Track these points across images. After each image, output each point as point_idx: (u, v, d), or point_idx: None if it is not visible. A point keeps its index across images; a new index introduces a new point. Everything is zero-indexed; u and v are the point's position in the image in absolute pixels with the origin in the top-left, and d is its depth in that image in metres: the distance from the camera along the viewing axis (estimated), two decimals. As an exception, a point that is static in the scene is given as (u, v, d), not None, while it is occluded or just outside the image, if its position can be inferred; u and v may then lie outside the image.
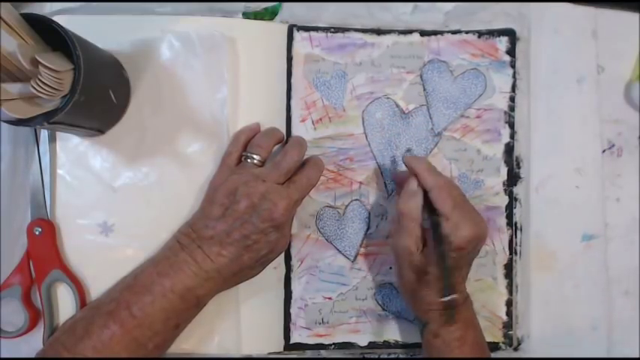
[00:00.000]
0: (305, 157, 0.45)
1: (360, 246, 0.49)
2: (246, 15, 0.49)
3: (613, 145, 0.53)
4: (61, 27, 0.36)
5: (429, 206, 0.42)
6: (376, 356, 0.50)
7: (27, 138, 0.46)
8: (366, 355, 0.50)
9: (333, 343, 0.49)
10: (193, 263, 0.40)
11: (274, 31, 0.49)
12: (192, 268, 0.40)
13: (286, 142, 0.48)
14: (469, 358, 0.42)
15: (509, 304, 0.50)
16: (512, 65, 0.51)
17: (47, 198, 0.46)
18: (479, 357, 0.43)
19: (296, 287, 0.49)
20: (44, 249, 0.45)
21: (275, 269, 0.48)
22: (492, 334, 0.50)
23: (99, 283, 0.45)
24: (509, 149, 0.51)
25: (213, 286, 0.41)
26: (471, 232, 0.41)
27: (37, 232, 0.45)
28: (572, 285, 0.51)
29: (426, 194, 0.43)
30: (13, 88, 0.35)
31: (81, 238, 0.46)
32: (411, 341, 0.50)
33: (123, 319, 0.39)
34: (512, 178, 0.51)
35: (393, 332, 0.50)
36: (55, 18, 0.37)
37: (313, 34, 0.49)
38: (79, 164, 0.46)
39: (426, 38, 0.50)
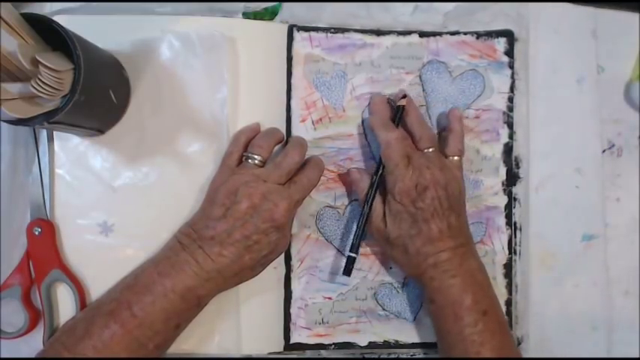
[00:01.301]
0: (305, 157, 0.45)
1: (360, 246, 0.49)
2: (246, 15, 0.49)
3: (613, 145, 0.53)
4: (61, 27, 0.36)
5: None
6: (376, 356, 0.50)
7: (27, 138, 0.46)
8: (366, 355, 0.50)
9: (333, 343, 0.49)
10: (194, 263, 0.40)
11: (274, 31, 0.49)
12: (193, 268, 0.40)
13: (286, 142, 0.48)
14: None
15: (508, 303, 0.50)
16: (511, 66, 0.51)
17: (47, 198, 0.46)
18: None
19: (296, 287, 0.49)
20: (44, 249, 0.45)
21: (275, 269, 0.48)
22: (492, 334, 0.50)
23: (99, 283, 0.45)
24: (507, 149, 0.51)
25: (214, 287, 0.41)
26: (406, 184, 0.42)
27: (36, 233, 0.45)
28: (572, 285, 0.51)
29: None
30: (13, 88, 0.35)
31: (81, 238, 0.46)
32: (411, 341, 0.50)
33: (124, 319, 0.39)
34: (511, 178, 0.51)
35: (393, 332, 0.50)
36: (55, 18, 0.37)
37: (313, 34, 0.49)
38: (78, 164, 0.46)
39: (425, 39, 0.50)
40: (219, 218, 0.41)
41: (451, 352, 0.43)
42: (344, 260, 0.49)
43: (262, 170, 0.43)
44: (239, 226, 0.40)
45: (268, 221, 0.41)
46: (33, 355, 0.42)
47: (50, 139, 0.46)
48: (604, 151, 0.53)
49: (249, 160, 0.43)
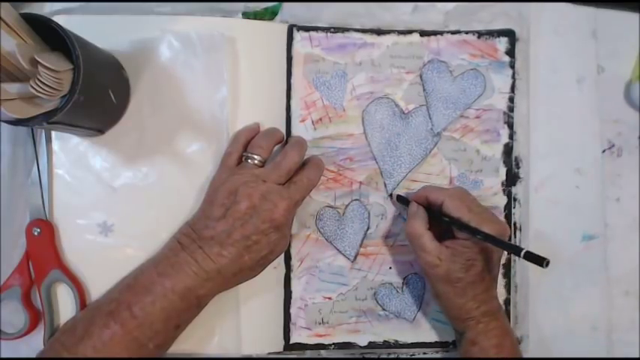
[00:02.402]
0: (305, 157, 0.45)
1: (360, 246, 0.49)
2: (246, 15, 0.49)
3: (613, 145, 0.53)
4: (61, 27, 0.36)
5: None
6: (376, 356, 0.50)
7: (26, 138, 0.46)
8: (366, 355, 0.50)
9: (333, 343, 0.49)
10: (194, 263, 0.40)
11: (274, 31, 0.49)
12: (193, 268, 0.40)
13: (286, 142, 0.48)
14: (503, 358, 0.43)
15: (507, 303, 0.50)
16: (512, 66, 0.51)
17: (46, 198, 0.46)
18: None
19: (296, 287, 0.49)
20: (43, 249, 0.45)
21: (275, 269, 0.48)
22: (492, 334, 0.50)
23: (99, 283, 0.45)
24: (508, 149, 0.51)
25: (214, 287, 0.41)
26: (493, 229, 0.42)
27: (35, 233, 0.45)
28: (572, 285, 0.51)
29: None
30: (12, 88, 0.35)
31: (80, 238, 0.46)
32: (411, 341, 0.50)
33: (123, 319, 0.39)
34: (511, 179, 0.51)
35: (393, 332, 0.50)
36: (55, 18, 0.38)
37: (313, 34, 0.49)
38: (78, 164, 0.46)
39: (425, 38, 0.50)
40: (219, 218, 0.41)
41: None
42: (344, 260, 0.49)
43: (262, 170, 0.42)
44: (238, 226, 0.40)
45: (268, 221, 0.41)
46: (33, 356, 0.42)
47: (49, 139, 0.46)
48: (604, 151, 0.53)
49: (249, 160, 0.43)
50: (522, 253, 0.38)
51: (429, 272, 0.44)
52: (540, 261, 0.36)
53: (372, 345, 0.49)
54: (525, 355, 0.50)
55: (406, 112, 0.50)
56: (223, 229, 0.40)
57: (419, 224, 0.44)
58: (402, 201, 0.48)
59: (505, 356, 0.43)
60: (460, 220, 0.43)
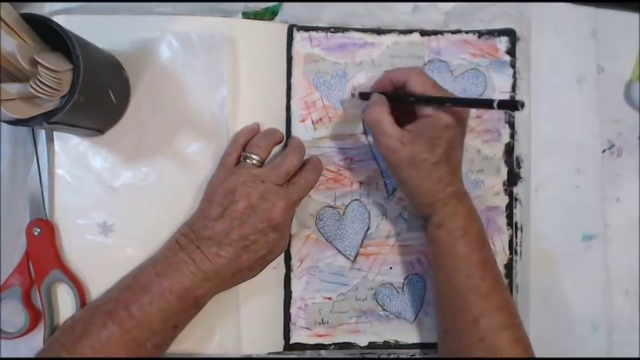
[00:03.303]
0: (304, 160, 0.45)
1: (360, 246, 0.49)
2: (246, 15, 0.49)
3: (613, 145, 0.53)
4: (61, 27, 0.36)
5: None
6: (376, 356, 0.50)
7: (26, 138, 0.46)
8: (366, 355, 0.50)
9: (333, 343, 0.49)
10: (192, 263, 0.40)
11: (274, 31, 0.49)
12: (191, 268, 0.40)
13: (286, 142, 0.48)
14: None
15: (509, 304, 0.50)
16: (513, 65, 0.51)
17: (46, 198, 0.46)
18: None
19: (296, 287, 0.49)
20: (43, 249, 0.45)
21: (275, 269, 0.48)
22: (492, 334, 0.50)
23: (99, 283, 0.45)
24: (509, 149, 0.51)
25: (212, 287, 0.41)
26: (456, 109, 0.41)
27: (35, 233, 0.45)
28: (572, 285, 0.51)
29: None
30: (12, 88, 0.35)
31: (81, 238, 0.46)
32: (411, 341, 0.50)
33: (121, 319, 0.39)
34: (513, 178, 0.51)
35: (393, 332, 0.50)
36: (55, 18, 0.38)
37: (313, 34, 0.49)
38: (78, 164, 0.46)
39: (426, 38, 0.50)
40: (217, 218, 0.41)
41: (453, 275, 0.42)
42: (344, 260, 0.49)
43: (260, 170, 0.43)
44: (236, 225, 0.40)
45: (266, 221, 0.41)
46: (33, 355, 0.42)
47: (49, 139, 0.46)
48: (604, 151, 0.53)
49: (247, 160, 0.43)
50: (495, 103, 0.36)
51: (391, 158, 0.42)
52: (514, 104, 0.35)
53: (372, 345, 0.49)
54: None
55: (406, 112, 0.50)
56: (221, 229, 0.40)
57: (379, 109, 0.42)
58: (365, 97, 0.47)
59: (470, 239, 0.42)
60: (427, 95, 0.41)
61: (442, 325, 0.44)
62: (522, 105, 0.34)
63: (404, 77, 0.43)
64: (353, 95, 0.48)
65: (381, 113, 0.42)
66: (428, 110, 0.41)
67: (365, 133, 0.50)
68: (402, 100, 0.43)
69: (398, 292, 0.50)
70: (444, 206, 0.42)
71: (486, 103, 0.36)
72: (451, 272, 0.42)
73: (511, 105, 0.35)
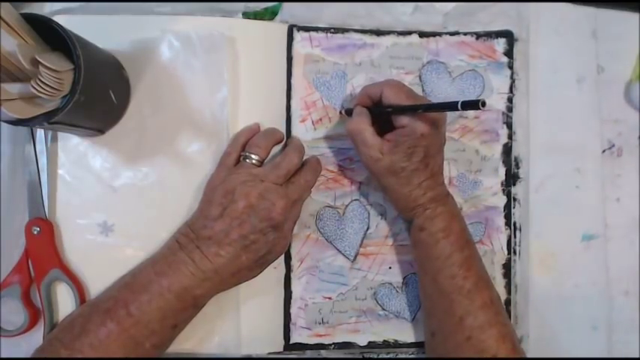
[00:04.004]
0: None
1: (360, 246, 0.49)
2: (246, 15, 0.49)
3: (613, 145, 0.53)
4: (61, 27, 0.36)
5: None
6: (376, 356, 0.50)
7: (26, 138, 0.46)
8: (366, 355, 0.50)
9: (333, 343, 0.49)
10: (191, 263, 0.40)
11: (274, 31, 0.49)
12: (190, 268, 0.40)
13: (286, 142, 0.48)
14: None
15: (507, 303, 0.50)
16: (510, 66, 0.51)
17: (45, 197, 0.46)
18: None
19: (296, 287, 0.49)
20: (43, 248, 0.45)
21: (275, 269, 0.48)
22: (492, 334, 0.50)
23: (98, 282, 0.45)
24: (507, 150, 0.51)
25: (211, 287, 0.41)
26: (430, 117, 0.41)
27: (35, 232, 0.45)
28: (572, 285, 0.51)
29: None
30: (13, 88, 0.35)
31: (81, 237, 0.46)
32: (411, 341, 0.50)
33: (120, 317, 0.39)
34: (511, 178, 0.51)
35: (393, 332, 0.50)
36: (55, 18, 0.38)
37: (313, 34, 0.49)
38: (79, 164, 0.46)
39: (425, 39, 0.50)
40: (217, 218, 0.41)
41: (437, 276, 0.43)
42: (344, 260, 0.49)
43: (260, 170, 0.43)
44: (236, 225, 0.40)
45: (265, 220, 0.41)
46: (32, 352, 0.42)
47: (51, 139, 0.46)
48: (604, 151, 0.53)
49: (247, 160, 0.43)
50: (459, 105, 0.37)
51: (372, 167, 0.44)
52: (476, 104, 0.36)
53: (371, 345, 0.49)
54: (525, 356, 0.50)
55: (406, 112, 0.50)
56: (221, 229, 0.41)
57: (360, 120, 0.44)
58: (350, 113, 0.47)
59: (452, 240, 0.43)
60: (400, 105, 0.42)
61: (430, 328, 0.45)
62: (483, 104, 0.35)
63: (379, 90, 0.44)
64: (341, 113, 0.49)
65: (362, 124, 0.43)
66: (404, 120, 0.42)
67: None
68: (380, 112, 0.44)
69: (397, 291, 0.50)
70: (424, 210, 0.44)
71: (452, 106, 0.38)
72: (435, 274, 0.43)
73: (474, 104, 0.36)
